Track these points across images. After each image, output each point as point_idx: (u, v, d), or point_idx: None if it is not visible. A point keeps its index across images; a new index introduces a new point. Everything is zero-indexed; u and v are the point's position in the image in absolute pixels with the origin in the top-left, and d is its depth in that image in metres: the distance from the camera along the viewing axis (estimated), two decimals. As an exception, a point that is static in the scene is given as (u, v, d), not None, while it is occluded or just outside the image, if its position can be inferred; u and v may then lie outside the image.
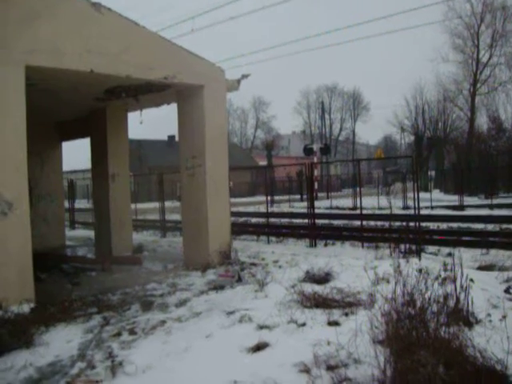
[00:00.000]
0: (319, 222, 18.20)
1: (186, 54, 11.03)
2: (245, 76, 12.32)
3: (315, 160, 40.58)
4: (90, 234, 17.87)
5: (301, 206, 31.47)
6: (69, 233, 20.51)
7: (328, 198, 39.69)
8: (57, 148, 17.25)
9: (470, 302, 5.71)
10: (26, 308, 7.51)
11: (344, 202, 32.75)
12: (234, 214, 18.69)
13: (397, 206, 25.40)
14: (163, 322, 7.05)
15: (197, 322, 6.96)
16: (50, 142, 16.66)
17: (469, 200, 30.03)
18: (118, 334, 6.66)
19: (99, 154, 14.42)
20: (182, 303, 8.20)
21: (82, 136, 16.15)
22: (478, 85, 48.28)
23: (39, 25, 8.51)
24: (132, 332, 6.73)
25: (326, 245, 14.87)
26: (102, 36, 9.48)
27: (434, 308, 4.95)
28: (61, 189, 17.86)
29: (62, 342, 6.45)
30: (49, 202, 16.58)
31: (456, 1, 43.80)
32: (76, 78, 9.86)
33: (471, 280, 5.75)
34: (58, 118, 15.87)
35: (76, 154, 31.62)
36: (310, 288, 7.69)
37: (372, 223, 18.94)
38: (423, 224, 15.57)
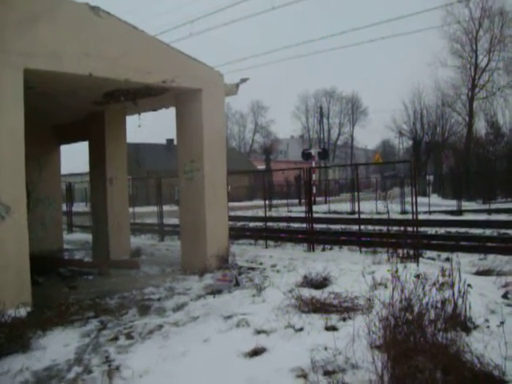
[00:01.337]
0: (317, 226, 18.18)
1: (185, 57, 11.04)
2: (243, 80, 12.33)
3: (313, 164, 40.65)
4: (88, 237, 17.83)
5: (299, 211, 31.46)
6: (66, 236, 20.49)
7: (326, 202, 39.69)
8: (55, 151, 17.23)
9: (467, 308, 5.72)
10: (22, 312, 7.48)
11: (342, 206, 32.73)
12: (231, 218, 18.70)
13: (395, 210, 25.41)
14: (160, 327, 7.04)
15: (194, 327, 6.95)
16: (48, 145, 16.65)
17: (467, 205, 30.03)
18: (115, 339, 6.65)
19: (97, 158, 14.40)
20: (179, 307, 8.19)
21: (81, 139, 16.13)
22: (477, 90, 48.38)
23: (38, 28, 8.50)
24: (129, 336, 6.72)
25: (323, 249, 14.86)
26: (101, 40, 9.48)
27: (432, 313, 4.95)
28: (59, 192, 17.84)
29: (58, 346, 6.43)
30: (47, 206, 16.55)
31: (454, 6, 43.72)
32: (75, 82, 9.87)
33: (469, 285, 5.75)
34: (57, 122, 15.86)
35: (74, 157, 31.59)
36: (307, 293, 7.69)
37: (370, 228, 18.93)
38: (421, 229, 15.57)
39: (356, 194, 21.07)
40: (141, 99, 12.11)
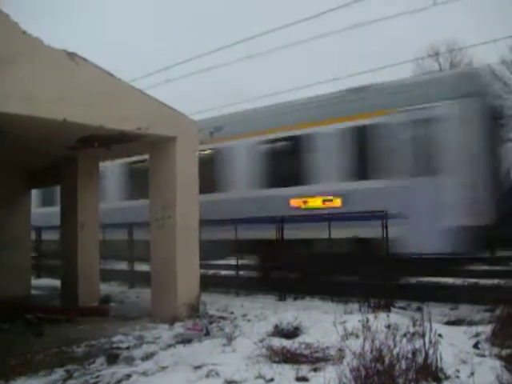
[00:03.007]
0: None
1: (160, 105, 11.13)
2: (217, 129, 12.45)
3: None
4: (57, 283, 17.48)
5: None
6: (34, 281, 20.03)
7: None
8: (25, 195, 17.06)
9: (438, 358, 5.71)
10: (-15, 361, 7.28)
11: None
12: (203, 266, 18.49)
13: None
14: (129, 376, 6.88)
15: (163, 376, 6.81)
16: (19, 188, 16.47)
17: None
18: (81, 389, 6.48)
19: (69, 203, 14.26)
20: (148, 357, 8.02)
21: (52, 184, 16.03)
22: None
23: (13, 71, 8.49)
24: (96, 386, 6.55)
25: (295, 299, 14.78)
26: (77, 85, 9.52)
27: (403, 364, 4.94)
28: (28, 236, 17.54)
29: (21, 396, 6.24)
30: (14, 250, 16.22)
31: (425, 60, 45.06)
32: (48, 127, 9.83)
33: (440, 335, 5.77)
34: (28, 165, 15.72)
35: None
36: (278, 343, 7.62)
37: (343, 278, 18.83)
38: (392, 278, 15.55)
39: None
40: (115, 145, 12.10)
